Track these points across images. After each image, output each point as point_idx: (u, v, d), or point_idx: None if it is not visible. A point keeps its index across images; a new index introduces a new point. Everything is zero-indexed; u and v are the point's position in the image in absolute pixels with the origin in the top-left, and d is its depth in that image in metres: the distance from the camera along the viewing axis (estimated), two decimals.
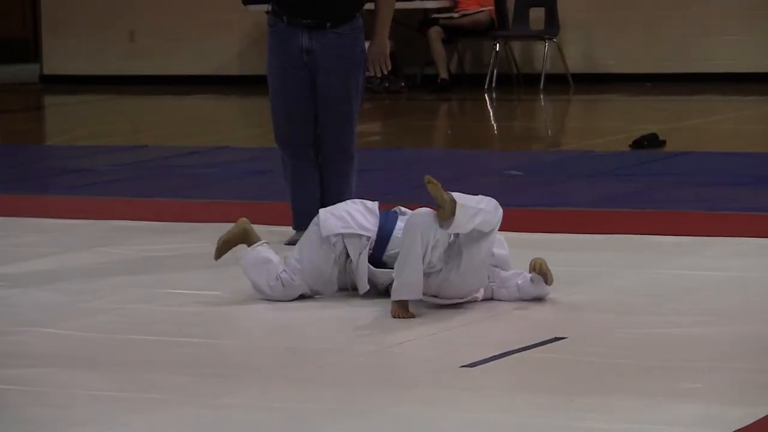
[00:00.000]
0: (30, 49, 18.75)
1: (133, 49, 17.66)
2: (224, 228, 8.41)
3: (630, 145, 11.33)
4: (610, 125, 14.02)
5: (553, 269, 6.34)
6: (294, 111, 7.94)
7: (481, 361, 5.72)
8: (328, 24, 7.83)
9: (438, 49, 16.07)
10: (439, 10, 16.47)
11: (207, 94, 16.46)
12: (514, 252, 6.80)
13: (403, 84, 16.37)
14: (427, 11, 16.67)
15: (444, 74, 16.43)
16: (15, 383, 5.62)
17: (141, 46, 17.57)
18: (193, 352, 6.05)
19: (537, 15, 16.34)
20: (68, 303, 6.93)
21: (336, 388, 5.50)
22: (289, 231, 8.07)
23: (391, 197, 9.50)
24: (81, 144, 13.40)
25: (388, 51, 8.04)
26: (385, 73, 8.11)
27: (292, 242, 7.93)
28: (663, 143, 11.28)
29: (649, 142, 11.30)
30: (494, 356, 5.80)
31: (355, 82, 7.94)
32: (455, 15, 16.10)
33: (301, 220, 7.95)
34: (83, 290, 7.19)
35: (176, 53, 16.97)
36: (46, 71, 18.49)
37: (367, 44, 8.02)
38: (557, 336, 5.92)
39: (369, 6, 8.05)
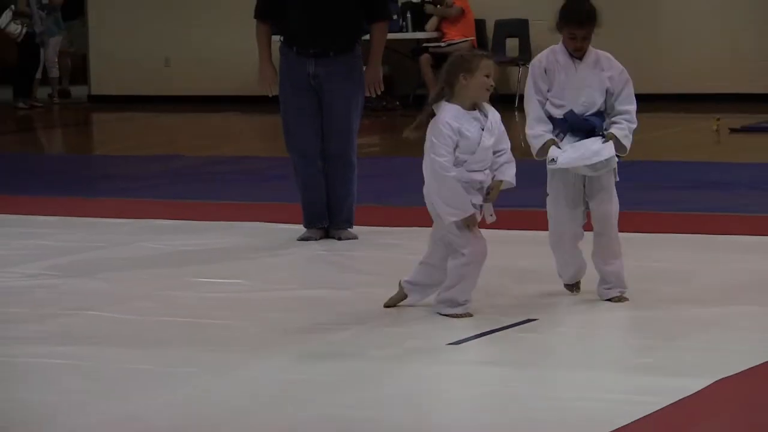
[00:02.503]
0: (80, 73, 18.70)
1: (168, 72, 17.64)
2: (245, 226, 8.45)
3: None
4: None
5: (533, 262, 6.25)
6: (303, 126, 7.90)
7: (465, 339, 5.73)
8: (331, 53, 7.81)
9: (428, 73, 16.05)
10: (428, 40, 16.45)
11: (230, 111, 16.44)
12: (504, 248, 6.75)
13: (397, 103, 16.36)
14: (418, 41, 16.65)
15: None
16: (65, 359, 5.61)
17: (175, 70, 17.55)
18: (218, 332, 6.04)
19: (512, 44, 16.34)
20: (112, 290, 6.92)
21: (341, 361, 5.50)
22: (300, 229, 8.05)
23: (388, 199, 9.52)
24: (123, 154, 13.40)
25: (381, 76, 8.04)
26: (379, 93, 8.11)
27: (304, 238, 7.92)
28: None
29: None
30: (477, 335, 5.80)
31: (355, 101, 7.91)
32: (442, 44, 16.09)
33: (311, 220, 7.94)
34: (125, 279, 7.19)
35: (204, 76, 16.95)
36: (94, 92, 18.48)
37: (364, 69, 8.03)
38: (530, 318, 5.90)
39: (367, 36, 8.04)
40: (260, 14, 7.96)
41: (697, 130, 13.30)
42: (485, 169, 5.86)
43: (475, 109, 5.86)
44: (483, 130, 5.83)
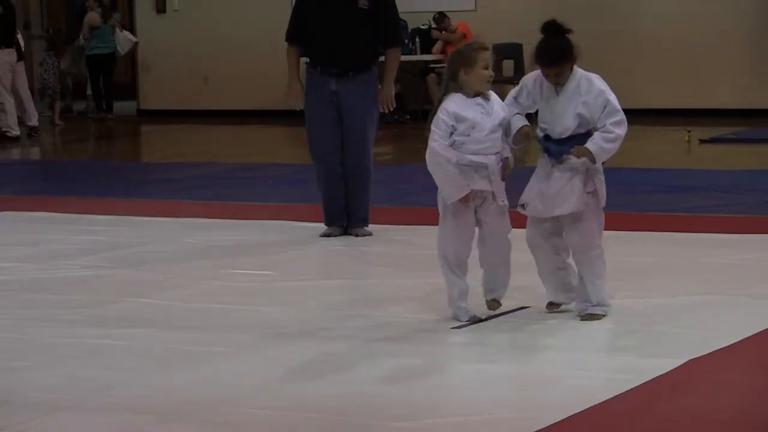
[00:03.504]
0: (130, 90, 18.74)
1: (206, 90, 17.64)
2: (272, 224, 8.43)
3: None
4: None
5: (528, 256, 6.21)
6: (324, 136, 7.89)
7: (465, 324, 5.71)
8: (350, 73, 7.80)
9: (434, 90, 16.04)
10: (434, 62, 16.41)
11: (260, 123, 16.43)
12: None
13: (408, 117, 16.32)
14: (426, 62, 16.61)
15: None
16: (119, 339, 5.64)
17: (212, 87, 17.55)
18: (249, 316, 6.06)
19: (508, 65, 16.30)
20: (157, 280, 6.94)
21: (357, 341, 5.51)
22: (321, 226, 8.05)
23: (401, 201, 9.52)
24: (166, 161, 13.41)
25: (393, 94, 8.03)
26: (391, 110, 8.11)
27: (325, 234, 7.92)
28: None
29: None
30: (477, 320, 5.76)
31: (370, 116, 7.91)
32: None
33: (331, 219, 7.95)
34: (168, 270, 7.19)
35: (237, 92, 16.95)
36: (142, 107, 18.49)
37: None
38: (523, 306, 5.90)
39: (382, 58, 8.05)
40: (290, 38, 7.96)
41: (670, 141, 13.29)
42: (490, 154, 5.64)
43: (478, 96, 5.69)
44: (484, 114, 5.66)
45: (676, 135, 13.37)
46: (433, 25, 16.21)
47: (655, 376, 4.85)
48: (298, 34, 7.93)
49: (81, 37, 17.68)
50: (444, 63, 16.32)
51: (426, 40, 16.41)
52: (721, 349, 5.23)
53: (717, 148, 12.73)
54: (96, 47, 17.52)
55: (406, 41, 15.90)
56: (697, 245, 7.52)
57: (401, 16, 15.90)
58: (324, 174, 7.96)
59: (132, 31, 18.30)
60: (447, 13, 16.14)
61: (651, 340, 5.43)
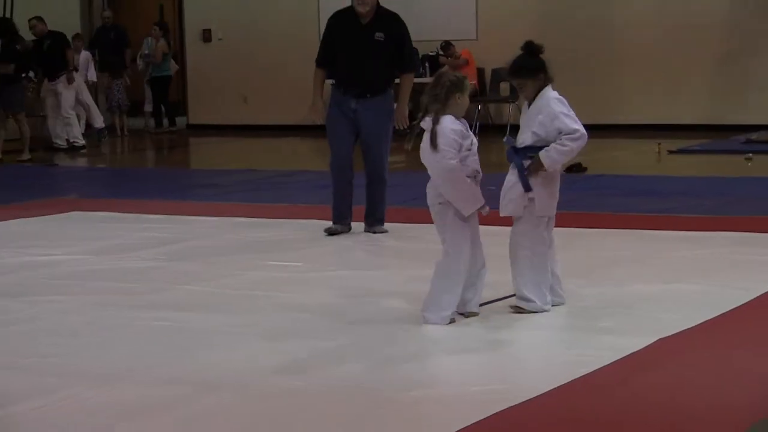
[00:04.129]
0: (181, 108, 18.77)
1: (245, 107, 17.67)
2: (301, 222, 8.42)
3: (565, 170, 11.28)
4: None
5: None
6: (341, 147, 7.92)
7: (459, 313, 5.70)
8: (368, 95, 7.82)
9: None
10: None
11: (292, 137, 16.42)
12: (494, 238, 6.73)
13: (418, 131, 16.28)
14: None
15: None
16: (171, 321, 5.66)
17: (251, 105, 17.58)
18: (283, 301, 6.06)
19: (504, 86, 16.26)
20: (205, 270, 6.94)
21: (375, 323, 5.51)
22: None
23: (413, 203, 9.51)
24: (211, 168, 13.44)
25: (407, 113, 8.03)
26: (405, 127, 8.06)
27: (331, 230, 7.93)
28: (585, 169, 11.23)
29: (576, 168, 11.25)
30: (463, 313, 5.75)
31: (385, 131, 7.92)
32: None
33: (338, 216, 7.98)
34: (214, 262, 7.20)
35: (273, 110, 16.95)
36: (191, 122, 18.51)
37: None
38: (512, 294, 5.81)
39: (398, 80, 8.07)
40: (319, 63, 8.00)
41: (643, 151, 13.27)
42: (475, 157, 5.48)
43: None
44: (469, 131, 5.52)
45: (648, 146, 13.34)
46: (441, 52, 16.17)
47: (629, 352, 4.86)
48: (325, 60, 7.97)
49: (139, 60, 17.70)
50: None
51: (434, 65, 16.38)
52: (686, 329, 5.23)
53: (683, 158, 12.71)
54: (155, 68, 17.58)
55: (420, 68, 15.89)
56: (665, 241, 7.52)
57: (419, 45, 16.04)
58: (336, 178, 7.98)
59: (182, 57, 18.35)
60: (452, 42, 16.11)
61: (626, 322, 5.42)
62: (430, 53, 16.38)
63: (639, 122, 15.44)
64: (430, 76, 16.59)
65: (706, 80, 15.37)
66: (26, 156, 14.04)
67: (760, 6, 14.95)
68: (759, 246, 7.21)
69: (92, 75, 16.76)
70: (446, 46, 16.09)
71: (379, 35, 7.78)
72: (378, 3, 7.86)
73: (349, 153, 7.92)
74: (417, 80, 15.10)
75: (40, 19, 15.46)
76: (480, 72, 16.38)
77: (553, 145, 5.44)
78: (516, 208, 5.55)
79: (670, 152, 12.97)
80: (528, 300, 5.56)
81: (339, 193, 7.96)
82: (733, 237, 7.53)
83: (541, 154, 5.44)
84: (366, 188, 7.95)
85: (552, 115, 5.45)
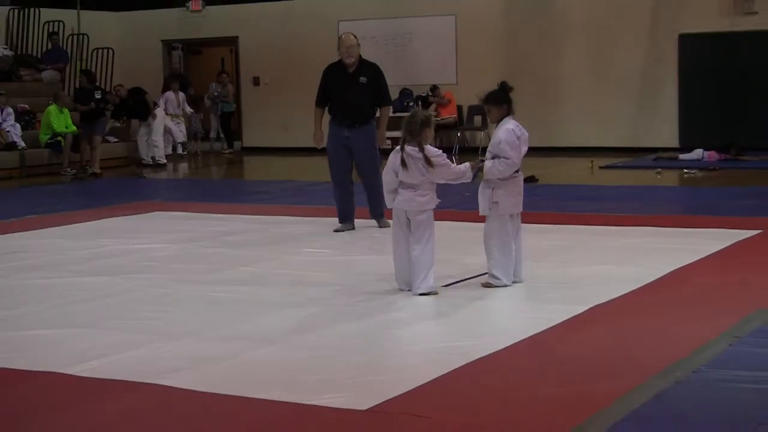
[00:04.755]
0: (238, 134, 18.69)
1: (285, 135, 17.59)
2: (329, 220, 8.38)
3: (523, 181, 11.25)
4: None
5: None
6: (338, 166, 7.83)
7: (452, 282, 5.70)
8: (356, 125, 7.72)
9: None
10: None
11: (320, 157, 16.38)
12: (463, 238, 6.72)
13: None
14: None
15: None
16: (229, 293, 5.62)
17: (290, 133, 17.47)
18: (317, 279, 6.02)
19: (478, 119, 16.23)
20: (255, 255, 6.91)
21: (390, 294, 5.48)
22: (365, 222, 8.00)
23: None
24: (259, 179, 13.42)
25: (385, 136, 7.92)
26: (384, 146, 7.87)
27: (339, 230, 7.80)
28: (537, 180, 11.21)
29: (530, 179, 11.21)
30: (457, 281, 5.75)
31: (372, 151, 7.80)
32: (439, 119, 16.04)
33: (342, 218, 7.88)
34: (261, 249, 7.17)
35: (306, 136, 16.84)
36: (245, 145, 18.43)
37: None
38: (485, 272, 5.81)
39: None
40: (318, 103, 7.96)
41: (580, 167, 13.22)
42: None
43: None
44: None
45: (583, 163, 13.32)
46: (430, 93, 16.17)
47: (571, 316, 4.87)
48: (322, 100, 7.93)
49: (207, 100, 17.72)
50: (436, 117, 16.38)
51: (425, 103, 16.39)
52: (613, 299, 5.23)
53: (610, 172, 12.66)
54: (227, 106, 17.66)
55: (411, 103, 15.85)
56: (597, 233, 7.49)
57: (410, 87, 16.14)
58: (336, 190, 7.90)
59: (238, 97, 18.35)
60: (438, 85, 16.11)
61: (568, 294, 5.41)
62: (422, 94, 16.36)
63: (577, 145, 15.42)
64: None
65: (626, 114, 15.34)
66: (97, 169, 13.81)
67: (662, 57, 14.94)
68: (666, 237, 7.20)
69: (187, 108, 16.88)
70: (434, 88, 16.09)
71: (362, 79, 7.72)
72: (360, 56, 7.80)
73: (347, 170, 7.83)
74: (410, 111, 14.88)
75: (121, 85, 15.88)
76: (459, 108, 16.37)
77: (495, 160, 5.52)
78: (484, 208, 5.60)
79: (601, 167, 12.94)
80: (496, 278, 5.58)
81: (341, 201, 7.86)
82: (647, 230, 7.50)
83: (486, 163, 5.53)
84: (366, 194, 7.88)
85: (499, 140, 5.53)
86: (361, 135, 7.73)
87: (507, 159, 5.46)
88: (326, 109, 7.97)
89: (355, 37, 7.85)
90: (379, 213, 7.91)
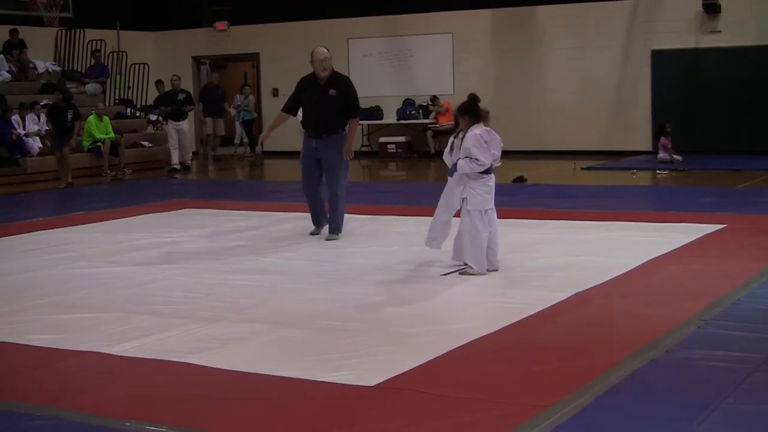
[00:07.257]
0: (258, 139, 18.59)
1: (301, 139, 17.52)
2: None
3: (513, 181, 11.27)
4: (503, 172, 13.99)
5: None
6: (308, 175, 7.38)
7: (449, 272, 5.68)
8: (324, 135, 7.25)
9: (430, 140, 15.99)
10: (430, 124, 16.32)
11: None
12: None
13: (415, 155, 16.23)
14: (425, 124, 16.53)
15: (432, 150, 16.33)
16: (250, 281, 5.62)
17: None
18: (327, 267, 6.02)
19: None
20: (274, 246, 6.90)
21: (396, 282, 5.47)
22: (367, 218, 8.03)
23: (412, 202, 9.46)
24: (277, 180, 13.40)
25: (352, 148, 7.29)
26: (350, 158, 7.32)
27: (313, 233, 7.45)
28: (525, 180, 11.18)
29: (520, 179, 11.21)
30: (453, 271, 5.73)
31: (339, 162, 7.24)
32: (438, 126, 16.00)
33: (315, 222, 7.49)
34: (280, 241, 7.17)
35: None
36: (265, 149, 18.24)
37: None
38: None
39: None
40: (284, 109, 7.51)
41: (563, 168, 13.20)
42: None
43: None
44: None
45: (567, 165, 13.29)
46: (430, 103, 16.14)
47: (554, 302, 4.85)
48: (289, 107, 7.48)
49: (232, 108, 17.73)
50: (436, 124, 16.37)
51: (425, 112, 16.36)
52: (593, 287, 5.22)
53: (592, 173, 12.62)
54: (248, 114, 17.62)
55: (413, 111, 15.79)
56: (578, 227, 7.46)
57: (412, 98, 16.08)
58: (307, 197, 7.46)
59: (259, 106, 18.32)
60: (437, 96, 16.08)
61: (552, 282, 5.39)
62: (423, 104, 16.34)
63: (561, 149, 15.37)
64: (424, 118, 16.63)
65: (605, 121, 15.30)
66: (70, 179, 12.95)
67: (636, 71, 14.89)
68: (641, 231, 7.17)
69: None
70: (434, 98, 16.07)
71: (332, 92, 7.21)
72: (333, 69, 7.23)
73: (317, 179, 7.34)
74: (413, 121, 15.09)
75: (179, 77, 15.51)
76: (455, 116, 16.28)
77: (465, 160, 5.61)
78: (457, 203, 5.72)
79: (582, 169, 12.90)
80: (470, 266, 5.61)
81: (312, 206, 7.46)
82: (624, 224, 7.47)
83: (459, 162, 5.63)
84: (329, 202, 7.31)
85: (467, 143, 5.61)
86: (328, 145, 7.20)
87: (477, 161, 5.54)
88: (290, 117, 7.53)
89: (328, 50, 7.24)
90: (334, 227, 7.28)
